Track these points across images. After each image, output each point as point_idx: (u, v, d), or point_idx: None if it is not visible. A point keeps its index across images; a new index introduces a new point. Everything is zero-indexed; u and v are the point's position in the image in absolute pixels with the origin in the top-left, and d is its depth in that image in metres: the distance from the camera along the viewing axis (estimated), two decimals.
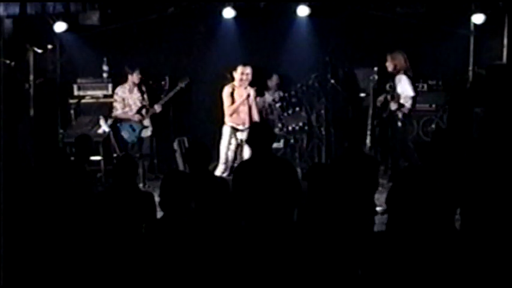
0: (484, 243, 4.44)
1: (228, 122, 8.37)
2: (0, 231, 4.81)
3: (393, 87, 8.15)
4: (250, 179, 5.36)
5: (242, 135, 8.29)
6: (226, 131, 8.37)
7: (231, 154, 8.36)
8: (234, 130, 8.32)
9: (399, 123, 8.14)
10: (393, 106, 8.14)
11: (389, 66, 8.27)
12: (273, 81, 9.50)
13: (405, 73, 8.17)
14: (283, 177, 5.35)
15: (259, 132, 5.56)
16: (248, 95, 8.22)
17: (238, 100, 8.28)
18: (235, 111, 8.31)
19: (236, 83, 8.31)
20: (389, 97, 8.18)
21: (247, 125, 8.33)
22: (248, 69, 8.29)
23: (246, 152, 8.47)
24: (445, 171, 4.72)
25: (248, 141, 5.71)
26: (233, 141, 8.30)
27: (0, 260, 4.71)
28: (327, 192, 4.51)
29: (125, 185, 5.21)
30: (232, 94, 8.31)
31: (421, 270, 3.94)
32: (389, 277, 4.00)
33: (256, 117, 8.50)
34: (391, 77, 8.28)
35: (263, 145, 5.45)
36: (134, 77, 8.76)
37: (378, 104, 8.36)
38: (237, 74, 8.28)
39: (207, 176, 5.59)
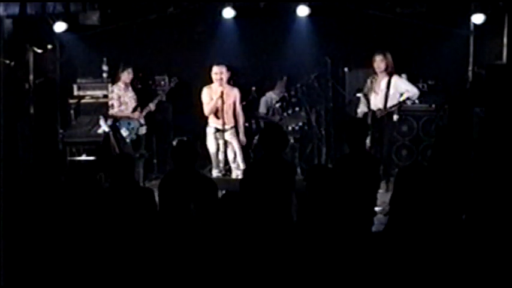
0: (486, 243, 4.44)
1: (211, 123, 8.38)
2: (0, 231, 4.81)
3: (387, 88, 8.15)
4: (257, 180, 5.37)
5: (227, 136, 8.30)
6: (209, 131, 8.40)
7: (220, 155, 8.36)
8: (218, 131, 8.30)
9: (395, 118, 8.16)
10: (393, 107, 8.16)
11: (381, 65, 8.16)
12: (283, 81, 9.47)
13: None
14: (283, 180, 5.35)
15: (271, 134, 5.55)
16: (222, 93, 8.17)
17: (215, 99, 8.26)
18: (212, 111, 8.29)
19: (214, 83, 8.32)
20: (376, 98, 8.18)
21: (231, 125, 8.35)
22: (223, 68, 8.31)
23: (238, 152, 8.48)
24: (449, 171, 4.72)
25: (260, 141, 5.75)
26: (220, 142, 8.30)
27: (0, 260, 4.71)
28: (328, 193, 4.51)
29: (124, 182, 5.23)
30: (210, 94, 8.33)
31: (425, 271, 3.93)
32: (392, 279, 4.00)
33: (241, 118, 8.51)
34: (376, 78, 8.26)
35: (274, 147, 5.45)
36: (125, 76, 8.78)
37: (360, 114, 8.32)
38: (212, 74, 8.30)
39: (193, 174, 5.55)
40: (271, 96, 9.42)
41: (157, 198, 5.36)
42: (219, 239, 4.29)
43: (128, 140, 8.68)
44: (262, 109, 9.43)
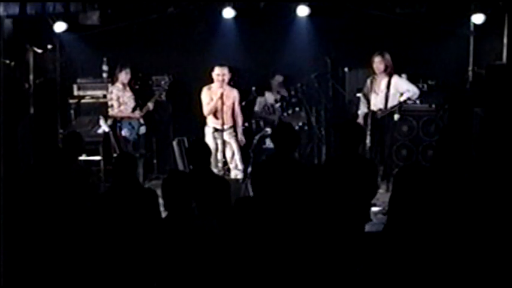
0: (487, 243, 4.44)
1: (210, 123, 8.39)
2: (0, 231, 4.81)
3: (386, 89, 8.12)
4: (268, 179, 5.31)
5: (226, 136, 8.31)
6: (208, 131, 8.41)
7: (219, 155, 8.37)
8: (216, 130, 8.31)
9: (396, 118, 8.12)
10: (394, 107, 8.14)
11: (380, 67, 8.13)
12: (276, 80, 9.48)
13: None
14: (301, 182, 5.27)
15: (284, 133, 5.53)
16: (222, 94, 8.18)
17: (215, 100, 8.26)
18: (211, 111, 8.31)
19: (214, 83, 8.32)
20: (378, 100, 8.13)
21: (230, 125, 8.36)
22: (225, 70, 8.31)
23: (236, 152, 8.49)
24: (450, 171, 4.70)
25: (272, 140, 5.71)
26: (219, 141, 8.31)
27: (0, 260, 4.71)
28: (321, 193, 4.51)
29: (126, 182, 5.22)
30: (210, 95, 8.33)
31: (425, 271, 3.93)
32: (391, 279, 3.99)
33: (239, 118, 8.53)
34: (376, 79, 8.23)
35: (286, 146, 5.43)
36: (123, 77, 8.78)
37: (361, 114, 8.28)
38: (214, 75, 8.29)
39: (208, 173, 5.61)
40: (265, 96, 9.43)
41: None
42: (234, 243, 4.28)
43: (131, 140, 8.70)
44: (256, 108, 9.44)
